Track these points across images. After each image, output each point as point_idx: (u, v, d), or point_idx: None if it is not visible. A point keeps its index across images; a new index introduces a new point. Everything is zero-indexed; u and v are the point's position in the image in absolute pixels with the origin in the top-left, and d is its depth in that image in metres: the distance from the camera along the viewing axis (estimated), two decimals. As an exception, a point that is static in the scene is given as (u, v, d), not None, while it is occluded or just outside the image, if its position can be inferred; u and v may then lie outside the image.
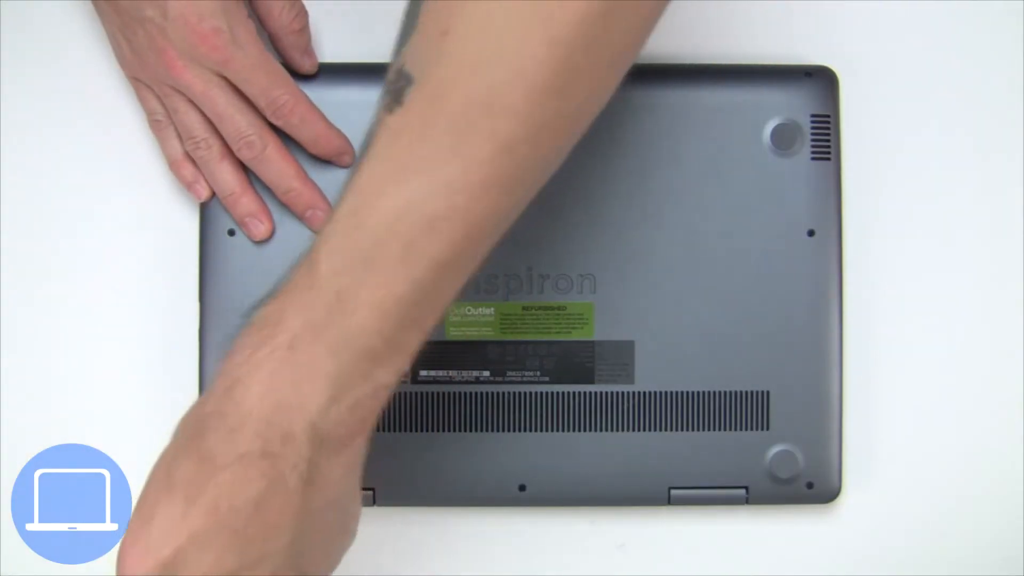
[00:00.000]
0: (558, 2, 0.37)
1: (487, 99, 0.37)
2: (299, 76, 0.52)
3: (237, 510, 0.38)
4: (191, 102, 0.50)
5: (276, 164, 0.51)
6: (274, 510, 0.39)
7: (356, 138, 0.52)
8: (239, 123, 0.50)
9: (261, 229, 0.52)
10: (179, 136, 0.52)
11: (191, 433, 0.40)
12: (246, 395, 0.39)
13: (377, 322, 0.38)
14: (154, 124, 0.52)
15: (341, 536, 0.43)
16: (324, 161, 0.52)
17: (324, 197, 0.52)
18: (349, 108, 0.52)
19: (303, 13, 0.51)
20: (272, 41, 0.51)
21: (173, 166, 0.53)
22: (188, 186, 0.53)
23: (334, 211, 0.39)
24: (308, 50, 0.52)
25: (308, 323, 0.38)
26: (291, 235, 0.53)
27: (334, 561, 0.43)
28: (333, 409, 0.39)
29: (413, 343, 0.40)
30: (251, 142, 0.50)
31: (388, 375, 0.40)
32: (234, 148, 0.51)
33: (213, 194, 0.52)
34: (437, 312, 0.40)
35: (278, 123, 0.50)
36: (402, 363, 0.40)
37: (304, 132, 0.51)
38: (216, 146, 0.51)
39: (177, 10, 0.47)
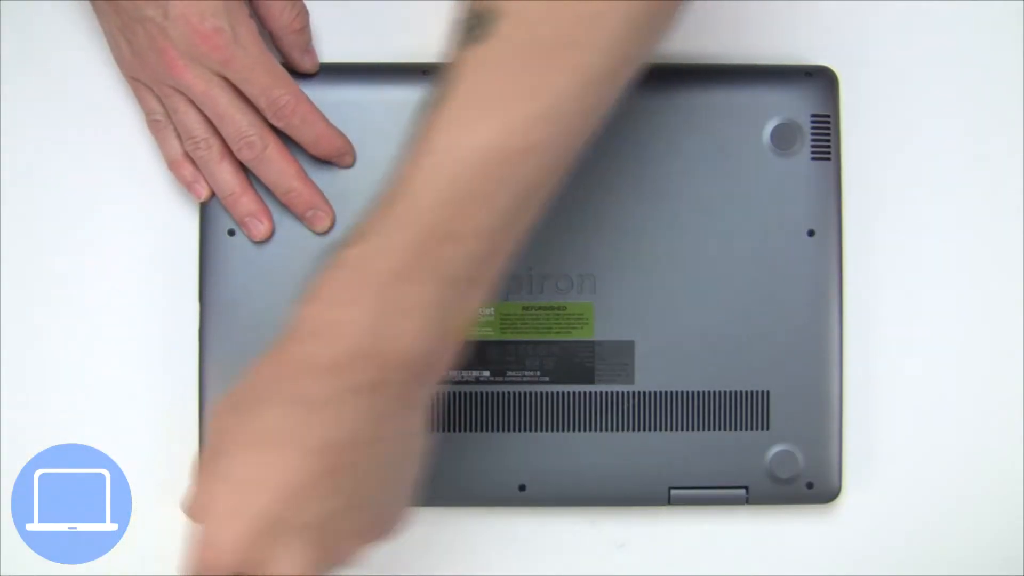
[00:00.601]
0: None
1: (573, 33, 0.39)
2: (299, 75, 0.52)
3: (341, 447, 0.39)
4: (191, 102, 0.50)
5: (276, 164, 0.51)
6: (374, 440, 0.40)
7: (357, 138, 0.52)
8: (240, 123, 0.50)
9: (261, 229, 0.52)
10: (178, 136, 0.52)
11: (279, 381, 0.40)
12: (344, 334, 0.39)
13: (473, 250, 0.40)
14: (153, 124, 0.52)
15: (417, 463, 0.44)
16: (324, 162, 0.52)
17: (324, 197, 0.52)
18: (349, 108, 0.53)
19: (304, 13, 0.51)
20: (273, 40, 0.51)
21: (172, 166, 0.53)
22: (187, 186, 0.53)
23: (422, 145, 0.40)
24: (309, 49, 0.52)
25: (405, 258, 0.39)
26: (291, 235, 0.53)
27: (410, 487, 0.44)
28: (427, 337, 0.40)
29: (495, 269, 0.41)
30: (252, 142, 0.50)
31: (478, 300, 0.41)
32: (234, 148, 0.51)
33: (213, 194, 0.52)
34: (519, 237, 0.41)
35: (278, 124, 0.50)
36: (489, 288, 0.41)
37: (305, 133, 0.51)
38: (216, 146, 0.51)
39: (178, 9, 0.47)
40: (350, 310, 0.40)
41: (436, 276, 0.40)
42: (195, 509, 0.41)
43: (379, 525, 0.43)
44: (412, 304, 0.39)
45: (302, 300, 0.41)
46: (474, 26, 0.40)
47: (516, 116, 0.39)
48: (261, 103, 0.50)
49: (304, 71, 0.52)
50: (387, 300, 0.39)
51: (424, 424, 0.42)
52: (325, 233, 0.52)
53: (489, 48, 0.39)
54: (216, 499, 0.40)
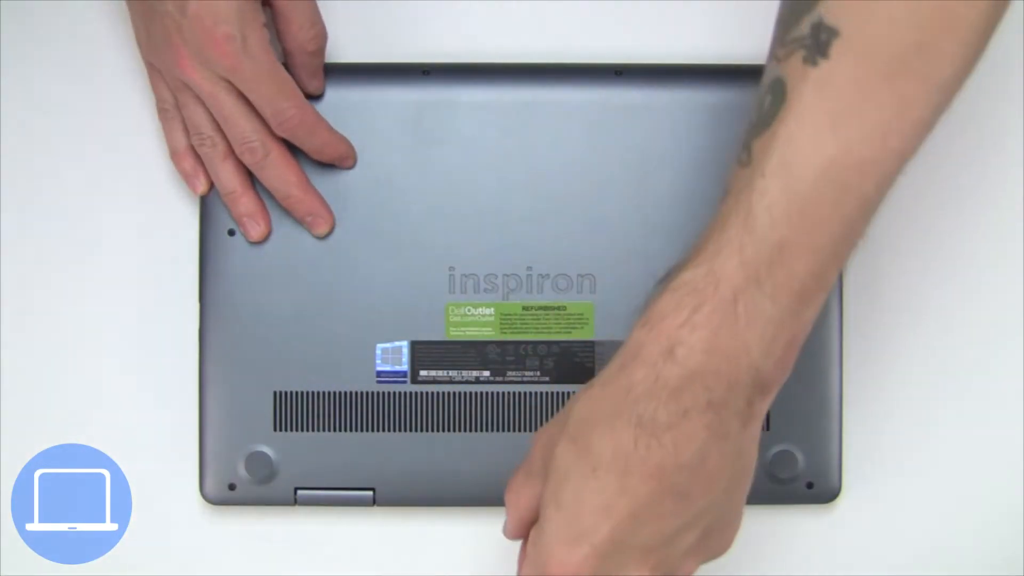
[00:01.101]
0: None
1: (920, 44, 0.39)
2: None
3: (682, 469, 0.40)
4: (200, 99, 0.50)
5: (278, 171, 0.51)
6: (715, 460, 0.41)
7: (357, 138, 0.52)
8: (243, 128, 0.50)
9: (258, 230, 0.52)
10: (185, 128, 0.52)
11: (615, 407, 0.41)
12: (690, 355, 0.40)
13: (813, 265, 0.40)
14: (162, 112, 0.52)
15: (750, 477, 0.44)
16: (327, 164, 0.52)
17: (324, 203, 0.52)
18: (350, 108, 0.53)
19: (321, 36, 0.51)
20: (285, 56, 0.51)
21: (174, 157, 0.53)
22: (187, 178, 0.53)
23: (761, 164, 0.40)
24: (317, 73, 0.52)
25: (750, 277, 0.40)
26: (292, 236, 0.53)
27: (743, 501, 0.44)
28: (772, 350, 0.40)
29: (835, 276, 0.41)
30: (253, 148, 0.50)
31: (814, 311, 0.41)
32: (237, 152, 0.51)
33: (211, 188, 0.53)
34: (855, 245, 0.41)
35: (283, 135, 0.50)
36: (824, 296, 0.41)
37: (308, 143, 0.51)
38: (221, 145, 0.51)
39: (194, 10, 0.47)
40: (690, 333, 0.40)
41: (775, 293, 0.40)
42: (534, 536, 0.43)
43: (715, 542, 0.44)
44: (752, 323, 0.40)
45: (638, 324, 0.42)
46: (810, 44, 0.40)
47: (858, 131, 0.39)
48: (266, 113, 0.49)
49: (309, 94, 0.52)
50: (726, 320, 0.40)
51: (757, 438, 0.43)
52: (324, 237, 0.53)
53: (828, 69, 0.39)
54: (555, 530, 0.41)
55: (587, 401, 0.42)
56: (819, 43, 0.40)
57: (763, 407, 0.42)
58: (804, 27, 0.41)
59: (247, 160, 0.51)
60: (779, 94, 0.41)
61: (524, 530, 0.45)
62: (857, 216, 0.40)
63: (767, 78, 0.42)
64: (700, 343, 0.40)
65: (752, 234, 0.40)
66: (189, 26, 0.47)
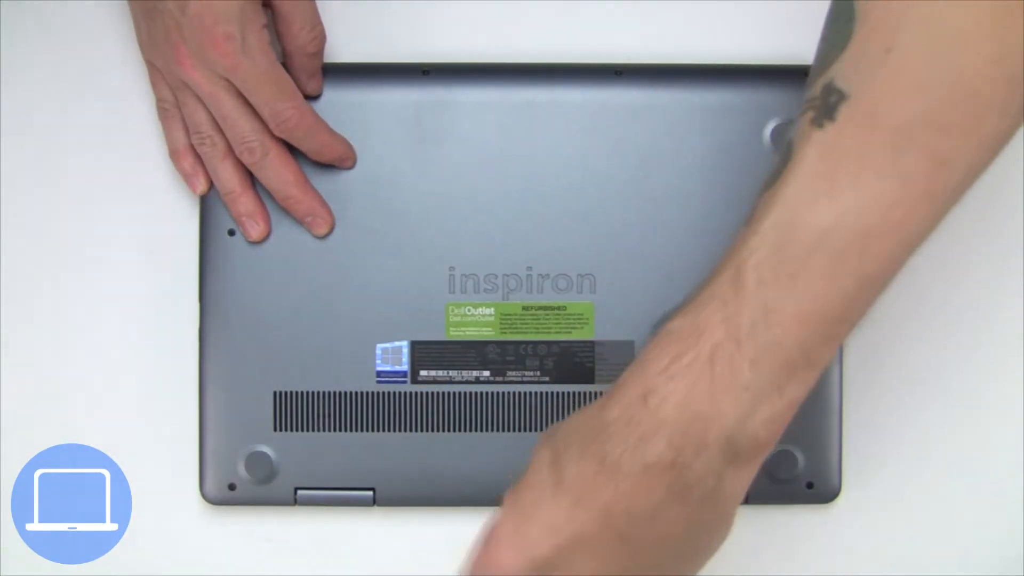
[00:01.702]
0: (1008, 17, 0.37)
1: (928, 116, 0.37)
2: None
3: (632, 518, 0.39)
4: (199, 99, 0.50)
5: (277, 171, 0.51)
6: (669, 522, 0.39)
7: (357, 138, 0.52)
8: (242, 128, 0.50)
9: (257, 230, 0.52)
10: (184, 127, 0.52)
11: (590, 436, 0.40)
12: (662, 405, 0.39)
13: (800, 335, 0.38)
14: (161, 111, 0.52)
15: (711, 552, 0.43)
16: (327, 165, 0.52)
17: (324, 203, 0.52)
18: (349, 108, 0.53)
19: (320, 38, 0.51)
20: (284, 57, 0.51)
21: (173, 156, 0.53)
22: (186, 178, 0.53)
23: (758, 223, 0.39)
24: (316, 74, 0.52)
25: (730, 335, 0.38)
26: (292, 236, 0.53)
27: (699, 569, 0.43)
28: (749, 422, 0.39)
29: (827, 357, 0.40)
30: (252, 148, 0.50)
31: (800, 389, 0.40)
32: (236, 151, 0.51)
33: (210, 188, 0.53)
34: (853, 325, 0.40)
35: (281, 135, 0.50)
36: (814, 377, 0.40)
37: (307, 144, 0.51)
38: (221, 144, 0.51)
39: (195, 9, 0.47)
40: (666, 382, 0.39)
41: (757, 358, 0.38)
42: (488, 527, 0.42)
43: None
44: (728, 387, 0.38)
45: (634, 363, 0.41)
46: (820, 106, 0.39)
47: (856, 200, 0.38)
48: (264, 114, 0.49)
49: (307, 95, 0.52)
50: (702, 378, 0.39)
51: (731, 517, 0.41)
52: (324, 237, 0.53)
53: (833, 132, 0.38)
54: (506, 526, 0.41)
55: (577, 418, 0.42)
56: (828, 105, 0.39)
57: (737, 483, 0.40)
58: (817, 88, 0.40)
59: (246, 160, 0.51)
60: (787, 154, 0.40)
61: None
62: (854, 292, 0.39)
63: (786, 136, 0.41)
64: (673, 395, 0.39)
65: (738, 291, 0.39)
66: (189, 25, 0.47)
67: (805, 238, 0.38)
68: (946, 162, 0.38)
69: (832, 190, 0.38)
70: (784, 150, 0.40)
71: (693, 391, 0.39)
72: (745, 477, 0.40)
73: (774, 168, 0.40)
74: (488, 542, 0.42)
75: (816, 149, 0.39)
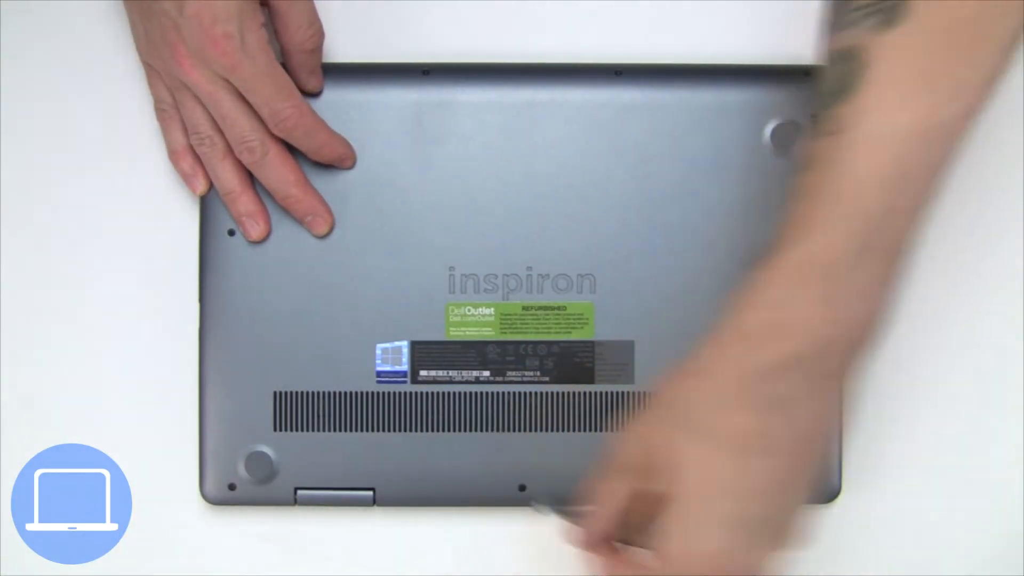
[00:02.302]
0: None
1: (983, 7, 0.40)
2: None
3: (798, 439, 0.41)
4: (198, 99, 0.50)
5: (276, 170, 0.51)
6: (826, 423, 0.42)
7: (357, 138, 0.52)
8: (242, 127, 0.50)
9: (257, 230, 0.52)
10: (183, 127, 0.52)
11: (721, 391, 0.42)
12: (797, 330, 0.41)
13: (908, 224, 0.41)
14: (160, 113, 0.52)
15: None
16: (327, 164, 0.52)
17: (323, 202, 0.52)
18: (349, 108, 0.53)
19: (319, 34, 0.51)
20: (283, 55, 0.51)
21: (173, 157, 0.53)
22: (186, 179, 0.53)
23: (851, 132, 0.41)
24: (316, 71, 0.52)
25: (855, 244, 0.41)
26: (291, 235, 0.53)
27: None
28: (878, 313, 0.42)
29: (917, 237, 0.42)
30: (252, 147, 0.50)
31: (902, 270, 0.42)
32: (236, 151, 0.51)
33: (209, 188, 0.53)
34: (933, 207, 0.42)
35: (280, 135, 0.50)
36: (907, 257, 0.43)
37: (306, 144, 0.51)
38: (220, 144, 0.51)
39: (193, 9, 0.47)
40: (796, 310, 0.41)
41: (880, 257, 0.41)
42: (658, 530, 0.43)
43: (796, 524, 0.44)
44: (861, 289, 0.41)
45: (741, 305, 0.42)
46: (883, 10, 0.41)
47: (943, 91, 0.40)
48: (264, 113, 0.49)
49: (307, 92, 0.52)
50: (837, 290, 0.41)
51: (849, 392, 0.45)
52: (324, 237, 0.53)
53: (905, 33, 0.41)
54: (687, 515, 0.42)
55: (691, 387, 0.43)
56: (892, 9, 0.41)
57: (862, 363, 0.43)
58: None
59: (246, 159, 0.51)
60: (855, 62, 0.41)
61: (615, 526, 0.45)
62: (944, 173, 0.41)
63: (832, 48, 0.43)
64: (806, 318, 0.41)
65: (857, 203, 0.41)
66: (187, 25, 0.47)
67: (907, 138, 0.40)
68: (1011, 42, 0.41)
69: (921, 87, 0.40)
70: (841, 60, 0.42)
71: (826, 309, 0.41)
72: (868, 355, 0.43)
73: (839, 79, 0.42)
74: (673, 542, 0.42)
75: (893, 52, 0.41)
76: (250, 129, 0.50)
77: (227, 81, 0.49)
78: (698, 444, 0.42)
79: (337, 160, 0.52)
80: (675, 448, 0.42)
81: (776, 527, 0.43)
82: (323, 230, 0.52)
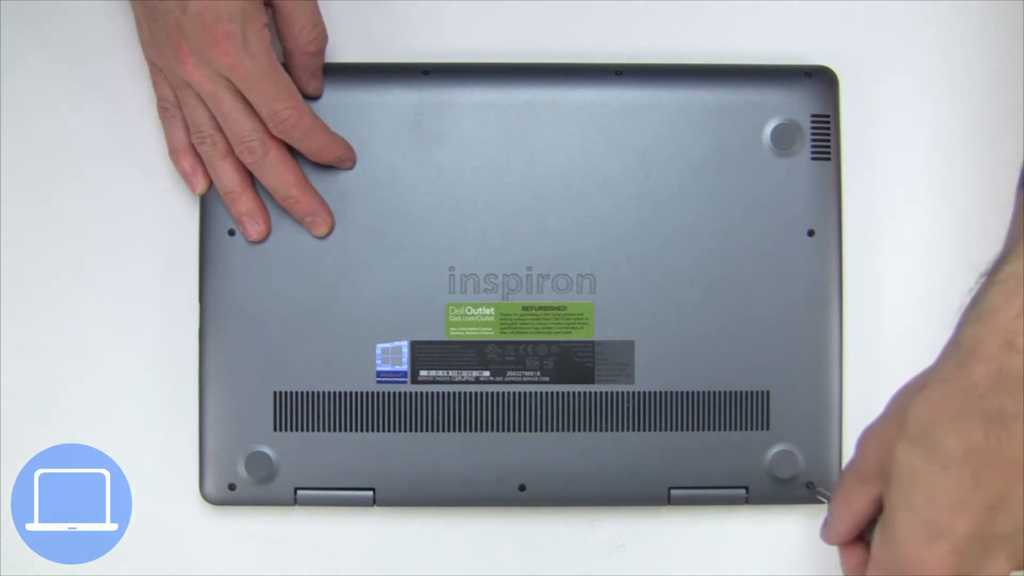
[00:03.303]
0: None
1: None
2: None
3: (1018, 449, 0.41)
4: (200, 98, 0.50)
5: (276, 170, 0.51)
6: None
7: (357, 138, 0.52)
8: (243, 127, 0.50)
9: (257, 230, 0.52)
10: (185, 126, 0.52)
11: (955, 406, 0.41)
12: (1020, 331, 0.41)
13: None
14: (162, 111, 0.52)
15: None
16: (327, 165, 0.52)
17: (323, 203, 0.52)
18: (350, 108, 0.53)
19: (322, 37, 0.51)
20: (285, 56, 0.51)
21: (173, 155, 0.53)
22: (185, 177, 0.53)
23: None
24: (316, 74, 0.52)
25: None
26: (291, 236, 0.53)
27: None
28: None
29: None
30: (252, 147, 0.50)
31: None
32: (236, 151, 0.51)
33: (209, 188, 0.53)
34: None
35: (279, 135, 0.50)
36: None
37: (306, 145, 0.51)
38: (221, 143, 0.51)
39: (196, 8, 0.47)
40: None
41: None
42: (882, 539, 0.43)
43: None
44: None
45: (969, 321, 0.43)
46: None
47: None
48: (263, 113, 0.49)
49: (307, 94, 0.52)
50: None
51: None
52: (324, 237, 0.53)
53: None
54: (914, 527, 0.42)
55: (926, 401, 0.42)
56: None
57: None
58: None
59: (246, 159, 0.51)
60: None
61: (855, 532, 0.46)
62: None
63: None
64: None
65: None
66: (190, 24, 0.47)
67: None
68: None
69: None
70: None
71: None
72: None
73: None
74: (897, 553, 0.42)
75: None
76: (250, 129, 0.50)
77: (229, 80, 0.49)
78: (918, 456, 0.42)
79: (337, 161, 0.52)
80: (897, 458, 0.42)
81: (1005, 542, 0.42)
82: (323, 231, 0.52)
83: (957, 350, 0.43)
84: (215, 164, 0.52)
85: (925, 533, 0.42)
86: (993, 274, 0.42)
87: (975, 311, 0.42)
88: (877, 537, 0.44)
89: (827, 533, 0.47)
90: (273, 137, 0.51)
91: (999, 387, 0.41)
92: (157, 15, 0.49)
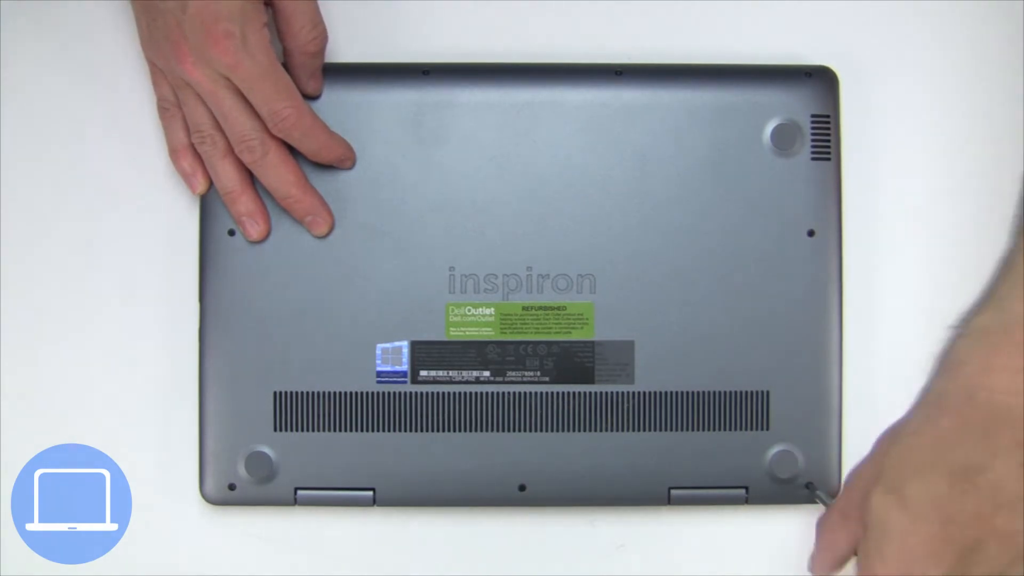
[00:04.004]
0: None
1: None
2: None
3: (1000, 508, 0.41)
4: (200, 97, 0.50)
5: (276, 170, 0.51)
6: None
7: (357, 138, 0.52)
8: (242, 126, 0.50)
9: (257, 230, 0.52)
10: (185, 126, 0.52)
11: (923, 459, 0.42)
12: (992, 397, 0.41)
13: None
14: (162, 111, 0.52)
15: None
16: (327, 165, 0.52)
17: (323, 202, 0.52)
18: (350, 108, 0.53)
19: (322, 37, 0.51)
20: (284, 56, 0.51)
21: (173, 155, 0.53)
22: (185, 177, 0.53)
23: None
24: (316, 74, 0.52)
25: None
26: (291, 236, 0.53)
27: None
28: None
29: None
30: (252, 147, 0.50)
31: None
32: (236, 150, 0.51)
33: (209, 188, 0.53)
34: None
35: (279, 135, 0.50)
36: None
37: (305, 145, 0.51)
38: (221, 143, 0.51)
39: (195, 8, 0.47)
40: (990, 377, 0.41)
41: None
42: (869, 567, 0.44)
43: None
44: None
45: (938, 372, 0.43)
46: None
47: None
48: (263, 112, 0.49)
49: (307, 94, 0.52)
50: None
51: None
52: (324, 237, 0.53)
53: None
54: (870, 561, 0.43)
55: (900, 451, 0.43)
56: None
57: None
58: None
59: (245, 159, 0.51)
60: None
61: (839, 566, 0.47)
62: None
63: None
64: (1001, 385, 0.41)
65: None
66: (190, 23, 0.47)
67: None
68: None
69: None
70: None
71: (1019, 376, 0.41)
72: None
73: None
74: None
75: None
76: (250, 128, 0.50)
77: (228, 80, 0.49)
78: (891, 506, 0.42)
79: (336, 161, 0.52)
80: (871, 506, 0.43)
81: None
82: (323, 230, 0.52)
83: (927, 402, 0.43)
84: (215, 164, 0.52)
85: (875, 569, 0.42)
86: (963, 327, 0.43)
87: (943, 364, 0.43)
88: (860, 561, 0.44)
89: (813, 565, 0.48)
90: (273, 137, 0.51)
91: (962, 441, 0.41)
92: (156, 15, 0.49)
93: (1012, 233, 0.44)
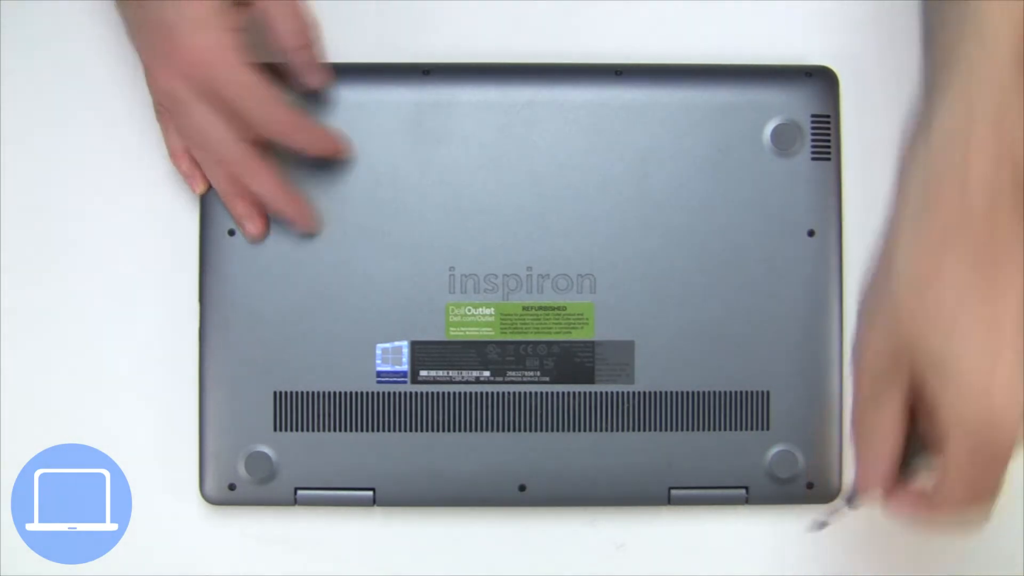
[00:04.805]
0: None
1: None
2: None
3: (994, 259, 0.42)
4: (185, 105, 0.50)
5: (258, 177, 0.50)
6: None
7: (357, 138, 0.52)
8: (221, 135, 0.49)
9: (255, 228, 0.52)
10: None
11: (940, 240, 0.43)
12: (985, 174, 0.43)
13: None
14: (159, 114, 0.52)
15: None
16: (326, 164, 0.52)
17: (309, 207, 0.52)
18: (352, 108, 0.53)
19: (303, 29, 0.50)
20: (281, 56, 0.51)
21: (173, 157, 0.53)
22: (185, 178, 0.53)
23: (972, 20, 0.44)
24: (312, 66, 0.51)
25: (1006, 86, 0.43)
26: (290, 236, 0.53)
27: None
28: None
29: None
30: (232, 156, 0.50)
31: None
32: (214, 159, 0.50)
33: (209, 187, 0.52)
34: None
35: (264, 135, 0.49)
36: None
37: (291, 143, 0.50)
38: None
39: (171, 18, 0.47)
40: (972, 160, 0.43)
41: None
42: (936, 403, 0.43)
43: None
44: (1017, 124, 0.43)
45: (911, 180, 0.45)
46: None
47: None
48: (244, 118, 0.49)
49: (312, 87, 0.51)
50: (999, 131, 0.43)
51: None
52: (313, 236, 0.52)
53: None
54: (971, 364, 0.42)
55: (910, 252, 0.44)
56: None
57: None
58: None
59: (225, 168, 0.50)
60: None
61: (898, 459, 0.46)
62: None
63: None
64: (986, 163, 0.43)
65: (996, 49, 0.43)
66: (168, 34, 0.47)
67: None
68: None
69: None
70: None
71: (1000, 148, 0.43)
72: None
73: None
74: (962, 393, 0.43)
75: None
76: (227, 138, 0.49)
77: (206, 88, 0.48)
78: (954, 301, 0.43)
79: (329, 153, 0.52)
80: (920, 340, 0.43)
81: None
82: (312, 229, 0.52)
83: (915, 203, 0.44)
84: (209, 168, 0.51)
85: (983, 363, 0.42)
86: (920, 131, 0.45)
87: (916, 166, 0.45)
88: (940, 411, 0.43)
89: (870, 476, 0.46)
90: (253, 142, 0.50)
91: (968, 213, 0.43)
92: (141, 25, 0.49)
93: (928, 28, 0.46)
